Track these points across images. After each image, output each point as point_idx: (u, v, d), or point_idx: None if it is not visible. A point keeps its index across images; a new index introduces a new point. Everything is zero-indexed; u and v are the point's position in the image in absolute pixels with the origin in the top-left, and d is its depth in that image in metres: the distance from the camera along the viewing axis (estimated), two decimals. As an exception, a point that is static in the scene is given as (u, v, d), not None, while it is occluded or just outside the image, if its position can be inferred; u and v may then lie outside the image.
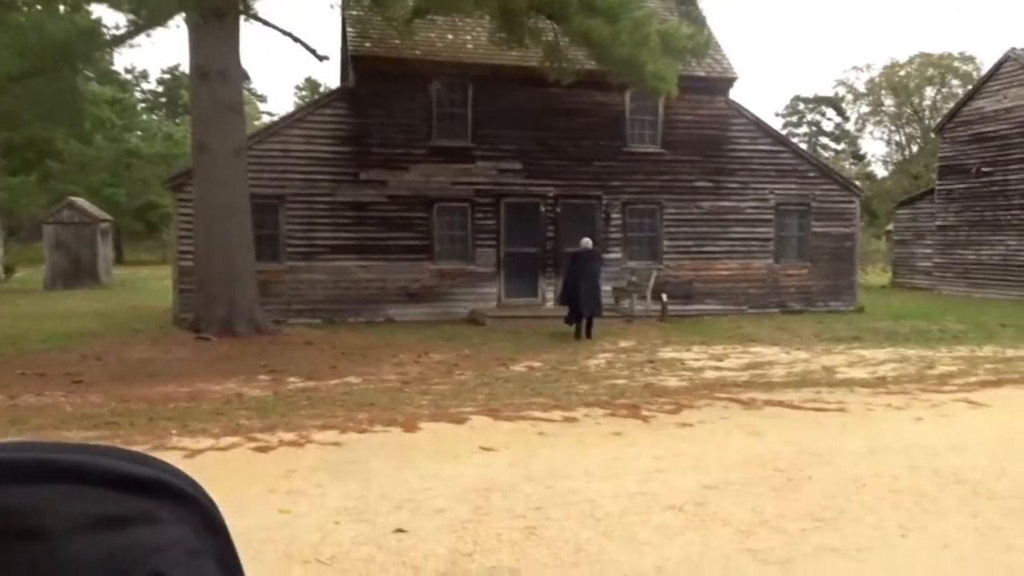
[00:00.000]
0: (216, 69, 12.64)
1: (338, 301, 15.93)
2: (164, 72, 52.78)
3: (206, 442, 6.39)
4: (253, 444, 6.33)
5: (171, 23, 12.81)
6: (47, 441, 0.53)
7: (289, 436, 6.56)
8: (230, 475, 5.51)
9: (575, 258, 14.08)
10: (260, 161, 14.97)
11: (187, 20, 12.57)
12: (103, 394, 8.43)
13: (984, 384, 9.26)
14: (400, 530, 4.41)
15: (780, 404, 8.00)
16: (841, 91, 53.83)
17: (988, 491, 5.18)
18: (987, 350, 12.22)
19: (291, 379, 9.47)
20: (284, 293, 15.61)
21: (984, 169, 23.22)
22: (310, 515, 4.69)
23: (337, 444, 6.34)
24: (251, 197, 13.43)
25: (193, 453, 6.06)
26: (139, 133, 44.49)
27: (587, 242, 14.26)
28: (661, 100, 16.54)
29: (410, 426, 6.96)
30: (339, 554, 4.10)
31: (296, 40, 13.73)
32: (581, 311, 13.32)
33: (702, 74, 17.22)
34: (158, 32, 12.98)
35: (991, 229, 23.04)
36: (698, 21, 16.43)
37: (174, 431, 6.75)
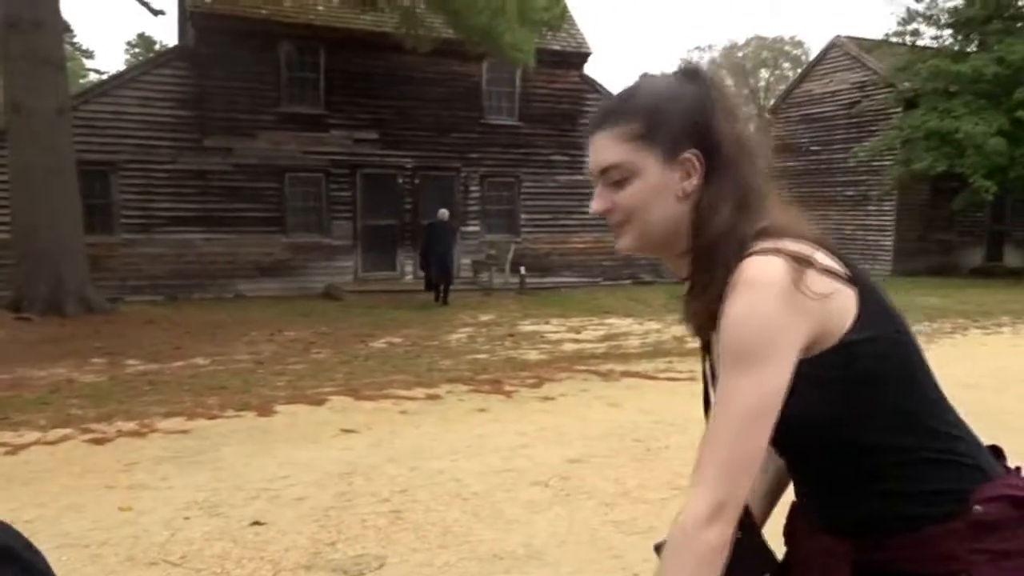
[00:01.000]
0: (29, 19, 11.39)
1: (182, 276, 14.98)
2: (-30, 21, 47.36)
3: (32, 435, 5.78)
4: (87, 436, 5.80)
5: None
6: None
7: (129, 425, 6.06)
8: (62, 471, 5.01)
9: (430, 228, 14.45)
10: (88, 123, 13.74)
11: (-4, -38, 11.24)
12: (-97, 385, 7.47)
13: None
14: (257, 522, 4.16)
15: (636, 375, 8.26)
16: (686, 70, 56.32)
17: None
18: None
19: (130, 362, 8.78)
20: (119, 268, 14.49)
21: (812, 148, 25.03)
22: (155, 511, 4.34)
23: (184, 432, 5.92)
24: (78, 163, 12.29)
25: (16, 449, 5.47)
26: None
27: (443, 213, 14.55)
28: (518, 72, 16.59)
29: (265, 409, 6.62)
30: (190, 552, 3.82)
31: (127, -8, 12.58)
32: (432, 278, 14.20)
33: (558, 47, 17.40)
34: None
35: (820, 204, 24.93)
36: (554, -6, 16.54)
37: (-8, 424, 6.07)
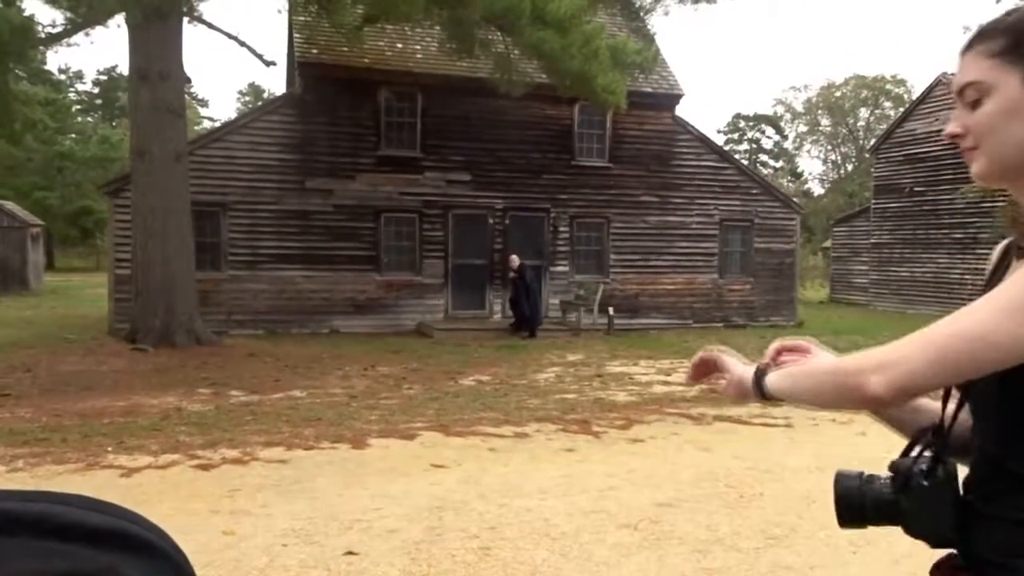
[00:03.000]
0: (157, 71, 12.28)
1: (281, 312, 15.60)
2: (100, 73, 51.34)
3: (144, 460, 6.12)
4: (194, 461, 6.09)
5: (111, 23, 12.41)
6: None
7: (232, 453, 6.34)
8: (170, 495, 5.29)
9: (520, 275, 15.58)
10: (202, 167, 14.60)
11: (128, 20, 12.19)
12: (33, 408, 8.04)
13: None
14: (351, 552, 4.27)
15: (729, 419, 8.08)
16: (780, 110, 55.48)
17: (931, 506, 5.28)
18: (922, 365, 12.59)
19: (233, 392, 9.19)
20: (225, 303, 15.21)
21: (916, 189, 24.09)
22: (255, 537, 4.51)
23: (283, 461, 6.14)
24: (192, 204, 13.07)
25: (130, 472, 5.80)
26: (73, 136, 43.07)
27: (514, 260, 15.73)
28: (609, 114, 16.72)
29: (358, 442, 6.80)
30: (287, 579, 3.95)
31: (242, 44, 13.46)
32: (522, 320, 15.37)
33: (649, 90, 17.47)
34: (96, 31, 12.57)
35: (923, 247, 23.88)
36: (646, 37, 16.68)
37: (109, 448, 6.45)
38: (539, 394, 9.49)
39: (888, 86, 49.64)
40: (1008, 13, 1.15)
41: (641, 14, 17.33)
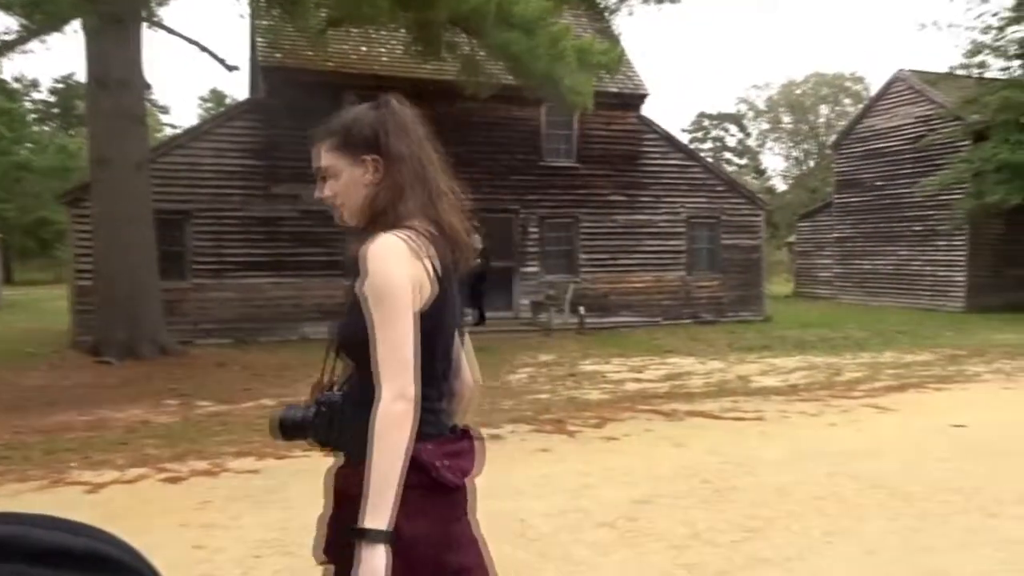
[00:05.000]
0: (116, 78, 12.05)
1: (249, 320, 15.39)
2: (57, 81, 50.23)
3: (110, 475, 5.98)
4: (162, 475, 5.97)
5: (67, 29, 12.14)
6: None
7: (202, 465, 6.22)
8: (138, 509, 5.17)
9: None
10: (165, 175, 14.36)
11: (85, 26, 11.94)
12: (-7, 425, 7.82)
13: (889, 389, 9.67)
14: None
15: (701, 415, 8.12)
16: (743, 108, 56.12)
17: (904, 494, 5.36)
18: (888, 356, 12.81)
19: (201, 403, 9.03)
20: (191, 312, 14.97)
21: (877, 183, 24.52)
22: (228, 549, 4.43)
23: (254, 471, 6.04)
24: (155, 212, 12.84)
25: (96, 487, 5.66)
26: (30, 145, 42.12)
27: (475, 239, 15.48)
28: (576, 115, 16.76)
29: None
30: (262, 591, 3.88)
31: (204, 49, 13.25)
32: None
33: (615, 90, 17.55)
34: (52, 38, 12.29)
35: (885, 240, 24.30)
36: (611, 37, 16.76)
37: (74, 464, 6.30)
38: (512, 395, 9.46)
39: (847, 83, 50.54)
40: (338, 115, 1.81)
41: (606, 15, 17.41)
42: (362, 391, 1.66)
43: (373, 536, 1.54)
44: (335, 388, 1.83)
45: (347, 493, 1.68)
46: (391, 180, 1.73)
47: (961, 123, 21.06)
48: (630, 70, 18.23)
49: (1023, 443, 6.87)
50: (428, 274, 1.66)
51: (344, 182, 1.75)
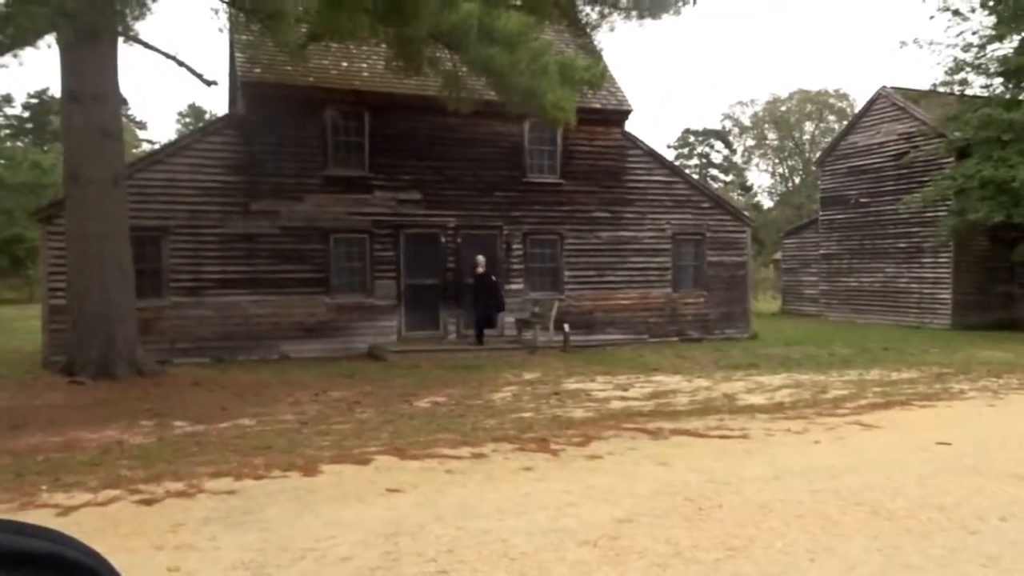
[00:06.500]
0: (91, 93, 11.91)
1: (228, 338, 15.18)
2: (31, 96, 49.78)
3: (82, 497, 5.81)
4: (136, 496, 5.80)
5: (41, 43, 12.00)
6: None
7: (177, 486, 6.06)
8: (110, 532, 5.00)
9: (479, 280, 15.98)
10: (142, 191, 14.21)
11: (59, 40, 11.81)
12: (-39, 447, 7.61)
13: (874, 406, 9.64)
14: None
15: (686, 433, 8.04)
16: (728, 124, 56.55)
17: (886, 511, 5.30)
18: (874, 373, 12.81)
19: (178, 423, 8.85)
20: (168, 331, 14.76)
21: (862, 200, 24.69)
22: (202, 572, 4.29)
23: (231, 492, 5.89)
24: (132, 229, 12.67)
25: (67, 510, 5.49)
26: (2, 161, 41.63)
27: (480, 260, 16.00)
28: (559, 131, 16.76)
29: (310, 469, 6.57)
30: (233, 617, 3.74)
31: (181, 64, 13.12)
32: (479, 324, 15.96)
33: (598, 106, 17.59)
34: (26, 52, 12.13)
35: (870, 257, 24.45)
36: (593, 53, 16.81)
37: (44, 486, 6.12)
38: (496, 414, 9.35)
39: (831, 100, 51.04)
40: None
41: (588, 30, 17.47)
42: None
43: None
44: None
45: None
46: None
47: (944, 140, 21.28)
48: (613, 86, 18.28)
49: (1006, 461, 6.84)
50: None
51: None
